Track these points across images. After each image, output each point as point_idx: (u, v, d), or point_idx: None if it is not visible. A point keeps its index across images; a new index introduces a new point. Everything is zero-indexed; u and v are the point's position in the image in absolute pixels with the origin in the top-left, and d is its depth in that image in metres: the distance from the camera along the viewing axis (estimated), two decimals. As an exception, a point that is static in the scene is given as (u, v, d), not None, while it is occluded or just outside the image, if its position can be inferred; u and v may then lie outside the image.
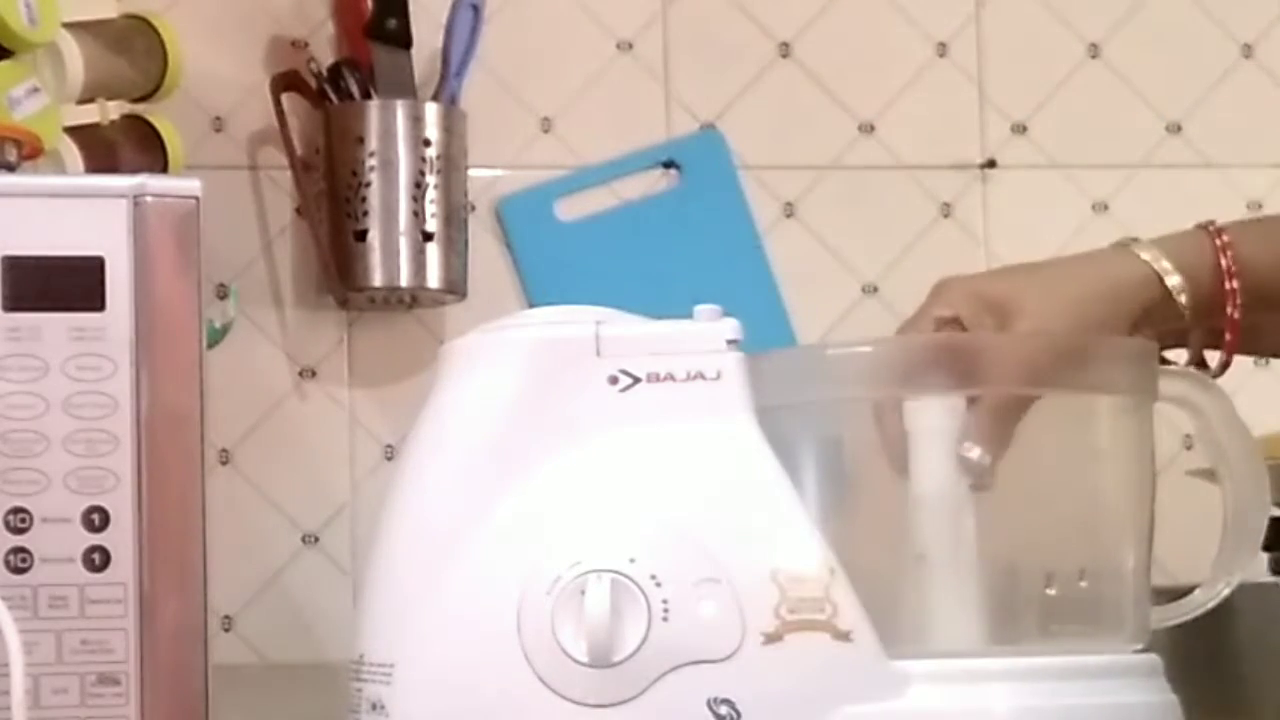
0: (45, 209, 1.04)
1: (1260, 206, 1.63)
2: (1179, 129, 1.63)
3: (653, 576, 0.98)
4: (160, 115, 1.41)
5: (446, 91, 1.49)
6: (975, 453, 1.01)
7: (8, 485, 1.02)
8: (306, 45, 1.51)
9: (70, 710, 1.02)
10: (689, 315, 1.04)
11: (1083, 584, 1.07)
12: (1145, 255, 1.09)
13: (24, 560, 1.02)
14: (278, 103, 1.47)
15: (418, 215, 1.45)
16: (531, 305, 1.51)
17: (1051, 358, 1.02)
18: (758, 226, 1.57)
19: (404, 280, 1.45)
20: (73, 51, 1.35)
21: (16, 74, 1.26)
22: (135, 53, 1.41)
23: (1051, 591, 1.05)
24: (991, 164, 1.60)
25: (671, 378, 1.02)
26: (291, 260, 1.50)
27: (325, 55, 1.50)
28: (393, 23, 1.48)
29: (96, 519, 1.03)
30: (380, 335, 1.50)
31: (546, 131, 1.55)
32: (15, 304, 1.03)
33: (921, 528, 1.03)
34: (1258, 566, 1.34)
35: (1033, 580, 1.06)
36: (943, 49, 1.60)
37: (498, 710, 0.99)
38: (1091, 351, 1.05)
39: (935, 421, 1.02)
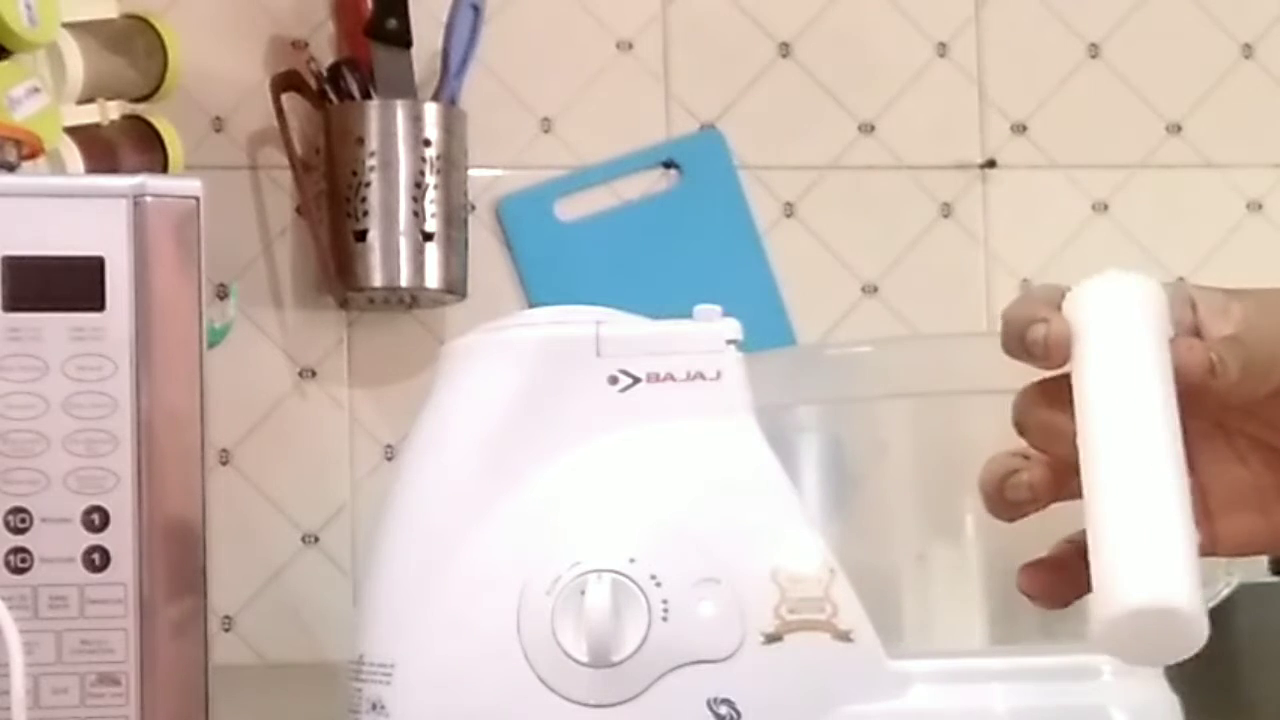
0: (45, 209, 1.04)
1: (1260, 207, 1.63)
2: (1179, 129, 1.63)
3: (653, 576, 0.98)
4: (160, 115, 1.41)
5: (446, 91, 1.48)
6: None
7: (8, 485, 1.02)
8: (306, 45, 1.51)
9: (70, 710, 1.02)
10: (689, 315, 1.04)
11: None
12: None
13: (24, 560, 1.02)
14: (278, 103, 1.47)
15: (418, 215, 1.45)
16: (531, 305, 1.51)
17: None
18: (758, 226, 1.57)
19: (404, 280, 1.45)
20: (73, 51, 1.35)
21: (16, 74, 1.26)
22: (135, 53, 1.41)
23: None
24: (991, 164, 1.60)
25: (671, 378, 1.02)
26: (291, 260, 1.50)
27: (325, 55, 1.50)
28: (393, 23, 1.48)
29: (96, 519, 1.03)
30: (380, 335, 1.50)
31: (546, 131, 1.55)
32: (15, 304, 1.03)
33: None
34: (1258, 566, 1.34)
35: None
36: (943, 49, 1.60)
37: (498, 710, 0.99)
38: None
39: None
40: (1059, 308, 0.74)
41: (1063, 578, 0.76)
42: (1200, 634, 0.69)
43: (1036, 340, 0.74)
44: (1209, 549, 0.76)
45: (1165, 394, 0.72)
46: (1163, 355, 0.72)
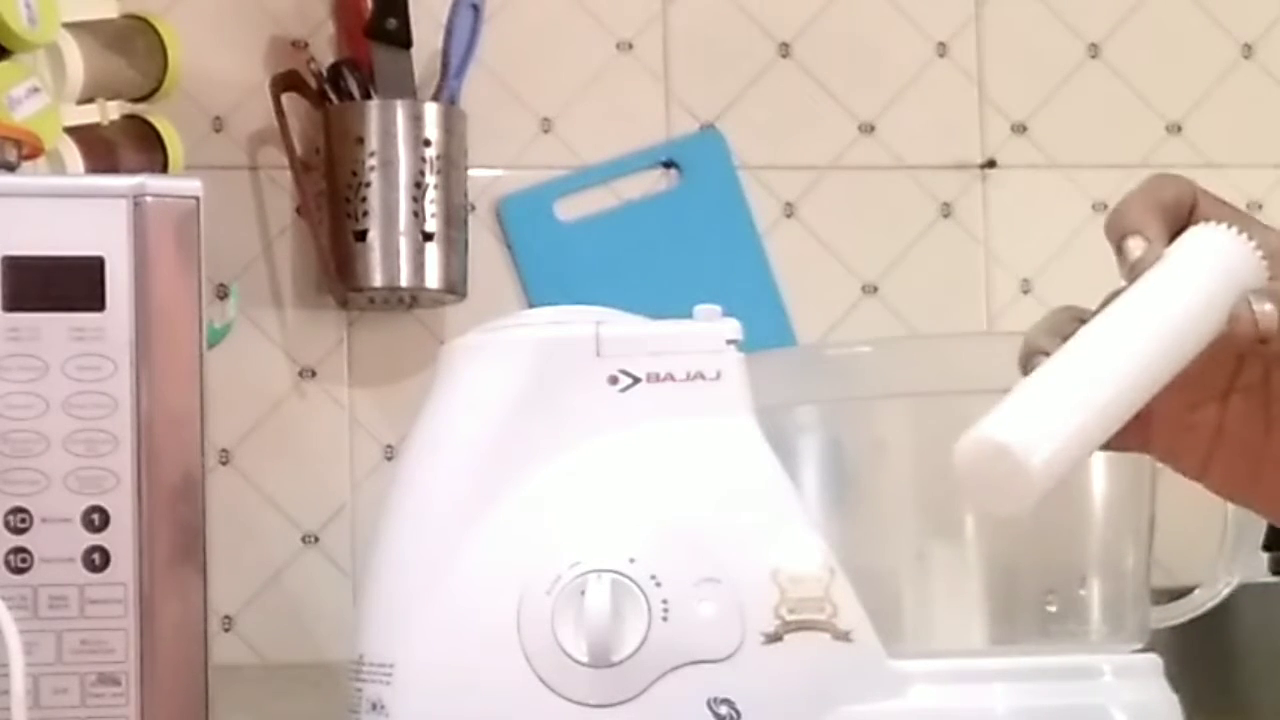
0: (45, 209, 1.04)
1: (1260, 207, 1.63)
2: (1179, 129, 1.63)
3: (653, 576, 0.98)
4: (160, 115, 1.41)
5: (446, 91, 1.48)
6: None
7: (8, 485, 1.02)
8: (306, 45, 1.51)
9: (70, 710, 1.02)
10: (689, 315, 1.04)
11: (1082, 591, 1.07)
12: None
13: (24, 560, 1.02)
14: (278, 103, 1.47)
15: (418, 215, 1.45)
16: (531, 305, 1.51)
17: None
18: (758, 226, 1.57)
19: (404, 280, 1.45)
20: (73, 51, 1.35)
21: (16, 74, 1.26)
22: (135, 53, 1.41)
23: (1052, 609, 1.06)
24: (991, 164, 1.60)
25: (671, 378, 1.02)
26: (291, 260, 1.50)
27: (325, 55, 1.50)
28: (393, 23, 1.48)
29: (96, 519, 1.03)
30: (380, 335, 1.50)
31: (546, 131, 1.55)
32: (15, 304, 1.03)
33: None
34: (1258, 566, 1.34)
35: (1033, 583, 1.06)
36: (943, 49, 1.60)
37: (498, 710, 0.99)
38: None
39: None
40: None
41: None
42: (1030, 488, 0.70)
43: None
44: (1195, 475, 0.82)
45: (1180, 314, 0.76)
46: (1209, 293, 0.77)
